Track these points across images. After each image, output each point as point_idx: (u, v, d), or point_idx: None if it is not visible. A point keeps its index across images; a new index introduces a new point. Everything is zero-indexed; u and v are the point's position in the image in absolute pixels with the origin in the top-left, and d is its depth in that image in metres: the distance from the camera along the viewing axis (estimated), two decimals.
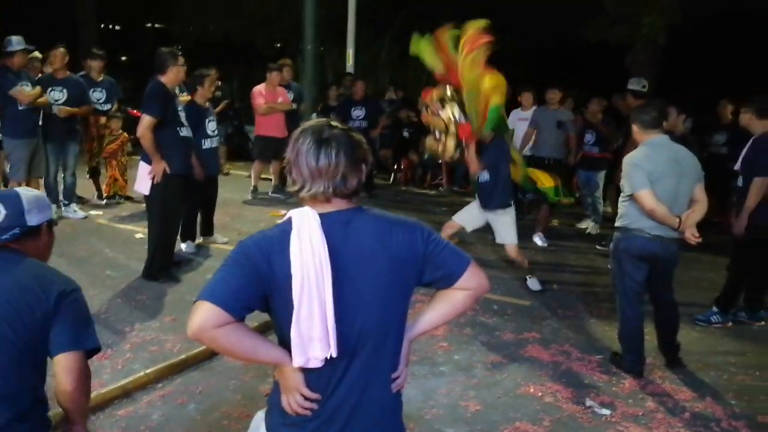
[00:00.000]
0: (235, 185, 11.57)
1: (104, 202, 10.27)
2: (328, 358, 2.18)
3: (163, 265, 6.99)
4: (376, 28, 17.16)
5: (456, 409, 4.61)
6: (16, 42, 8.31)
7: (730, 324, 6.55)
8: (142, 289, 6.68)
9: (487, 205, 6.97)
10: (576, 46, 16.12)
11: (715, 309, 6.58)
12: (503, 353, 5.61)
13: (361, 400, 2.29)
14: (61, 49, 8.99)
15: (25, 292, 2.61)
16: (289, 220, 2.24)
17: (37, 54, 9.04)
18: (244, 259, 2.20)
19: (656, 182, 5.04)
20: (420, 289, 2.42)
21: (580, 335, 6.12)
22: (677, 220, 5.07)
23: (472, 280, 2.36)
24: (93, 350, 2.74)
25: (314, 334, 2.16)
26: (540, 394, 4.92)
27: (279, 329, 2.27)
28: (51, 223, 2.99)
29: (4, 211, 2.78)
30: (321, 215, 2.23)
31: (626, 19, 14.05)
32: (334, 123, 2.33)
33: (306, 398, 2.26)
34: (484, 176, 6.85)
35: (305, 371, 2.24)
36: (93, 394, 4.31)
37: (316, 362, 2.19)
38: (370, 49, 17.61)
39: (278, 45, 20.44)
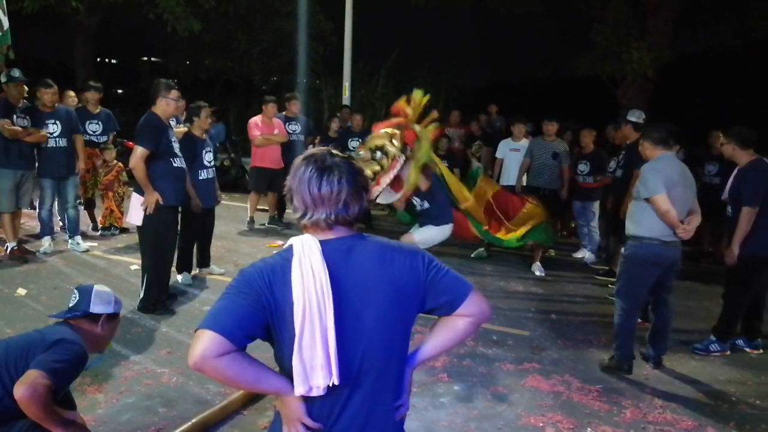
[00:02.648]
0: (232, 217, 11.56)
1: (99, 233, 10.23)
2: (331, 386, 2.16)
3: (158, 298, 6.93)
4: (371, 63, 17.31)
5: None
6: (4, 73, 8.36)
7: (728, 352, 6.53)
8: (137, 321, 6.61)
9: (421, 224, 7.17)
10: (568, 79, 16.24)
11: (713, 338, 6.56)
12: (504, 384, 5.56)
13: (365, 429, 2.26)
14: (54, 88, 8.86)
15: (32, 339, 3.46)
16: (291, 248, 2.23)
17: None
18: (246, 287, 2.18)
19: (670, 189, 5.63)
20: (418, 320, 2.40)
21: (580, 365, 6.08)
22: (682, 225, 5.69)
23: (473, 307, 2.35)
24: (55, 386, 3.29)
25: (316, 362, 2.13)
26: (541, 424, 4.86)
27: (281, 357, 2.24)
28: (111, 317, 3.75)
29: (77, 297, 3.68)
30: (322, 242, 2.23)
31: (616, 54, 14.21)
32: (334, 152, 2.33)
33: (308, 428, 2.23)
34: (425, 204, 7.05)
35: (307, 401, 2.22)
36: None
37: (318, 391, 2.16)
38: (365, 83, 17.74)
39: (274, 79, 20.59)
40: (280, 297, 2.16)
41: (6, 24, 8.63)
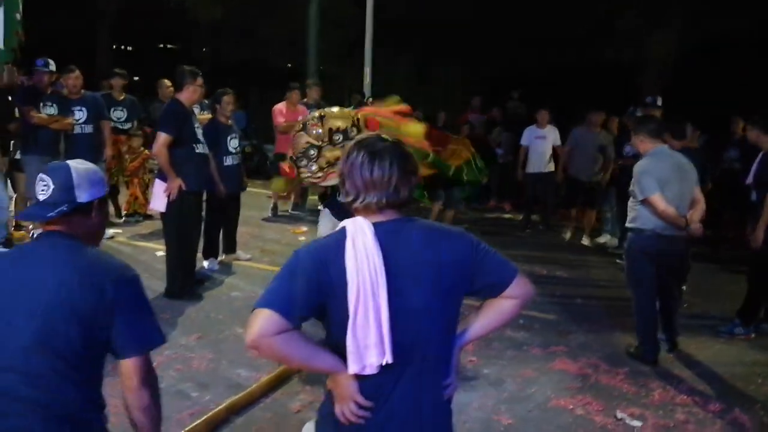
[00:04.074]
0: (255, 203, 11.60)
1: (122, 220, 10.32)
2: (384, 364, 2.21)
3: (185, 283, 6.99)
4: (393, 48, 17.25)
5: (489, 424, 4.61)
6: (39, 62, 8.54)
7: (753, 336, 6.55)
8: (165, 307, 6.62)
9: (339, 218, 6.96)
10: (589, 66, 16.12)
11: (737, 321, 6.58)
12: (532, 367, 5.62)
13: (414, 408, 2.30)
14: (77, 72, 9.03)
15: (74, 290, 2.32)
16: (343, 229, 2.28)
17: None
18: (300, 268, 2.23)
19: (664, 186, 5.57)
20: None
21: (606, 348, 6.13)
22: (684, 219, 5.64)
23: (519, 289, 2.39)
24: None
25: (370, 341, 2.18)
26: (571, 407, 4.92)
27: (333, 337, 2.29)
28: (103, 201, 2.67)
29: (52, 185, 2.51)
30: (373, 224, 2.27)
31: (637, 40, 14.16)
32: (384, 137, 2.38)
33: (360, 406, 2.27)
34: None
35: (359, 379, 2.26)
36: (117, 411, 4.36)
37: (371, 369, 2.21)
38: (386, 68, 17.67)
39: (288, 65, 20.52)
40: (333, 277, 2.20)
41: (20, 9, 8.76)
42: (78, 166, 2.59)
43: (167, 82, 10.53)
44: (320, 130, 5.97)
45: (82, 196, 2.53)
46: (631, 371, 5.60)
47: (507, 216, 12.67)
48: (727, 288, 8.04)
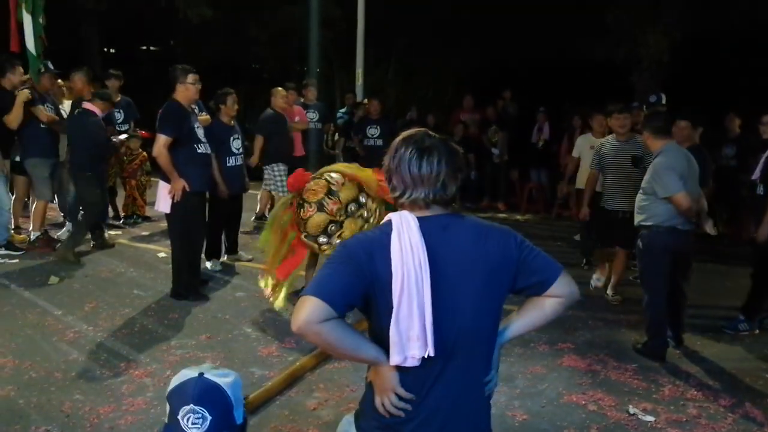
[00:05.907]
0: (249, 204, 11.55)
1: (121, 222, 10.32)
2: (425, 357, 2.22)
3: (190, 284, 7.00)
4: (380, 50, 17.23)
5: (504, 419, 4.63)
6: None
7: (756, 331, 6.60)
8: (172, 308, 6.71)
9: None
10: (581, 64, 16.13)
11: (741, 317, 6.62)
12: (541, 364, 5.66)
13: (456, 403, 2.32)
14: (80, 73, 9.04)
15: None
16: (389, 222, 2.29)
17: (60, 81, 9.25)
18: (348, 258, 2.24)
19: (685, 183, 5.61)
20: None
21: (613, 344, 6.17)
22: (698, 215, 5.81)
23: (564, 288, 2.41)
24: None
25: (412, 333, 2.19)
26: (583, 402, 4.96)
27: (377, 328, 2.29)
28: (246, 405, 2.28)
29: (209, 417, 2.07)
30: (420, 218, 2.28)
31: (630, 39, 14.16)
32: (431, 133, 2.40)
33: (401, 399, 2.28)
34: None
35: (401, 372, 2.27)
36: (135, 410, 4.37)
37: (413, 361, 2.22)
38: (375, 69, 17.65)
39: (267, 66, 20.39)
40: (380, 268, 2.21)
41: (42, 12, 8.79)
42: (223, 379, 2.15)
43: (282, 90, 10.11)
44: (337, 206, 6.09)
45: (240, 416, 2.17)
46: (640, 367, 5.65)
47: (501, 216, 12.69)
48: (725, 284, 8.15)
